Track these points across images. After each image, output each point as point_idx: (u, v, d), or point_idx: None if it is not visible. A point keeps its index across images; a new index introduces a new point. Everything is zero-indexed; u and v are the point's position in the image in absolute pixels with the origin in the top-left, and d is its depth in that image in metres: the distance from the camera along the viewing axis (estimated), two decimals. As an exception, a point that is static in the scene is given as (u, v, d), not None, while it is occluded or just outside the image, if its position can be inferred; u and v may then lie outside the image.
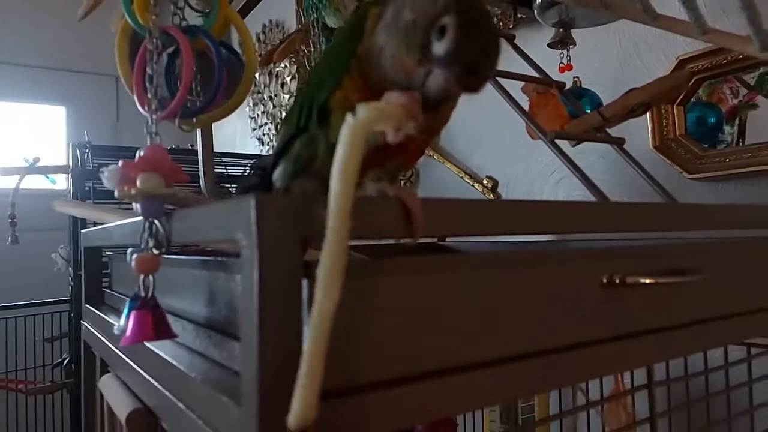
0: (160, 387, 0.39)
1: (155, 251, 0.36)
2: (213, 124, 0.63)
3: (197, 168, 0.67)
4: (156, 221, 0.36)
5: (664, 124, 0.91)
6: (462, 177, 1.30)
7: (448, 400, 0.31)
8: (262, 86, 2.25)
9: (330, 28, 1.22)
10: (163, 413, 0.41)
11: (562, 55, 0.93)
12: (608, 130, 0.81)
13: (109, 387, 0.55)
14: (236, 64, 0.59)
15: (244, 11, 2.27)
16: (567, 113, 0.83)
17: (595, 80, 1.00)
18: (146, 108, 0.44)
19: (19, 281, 2.31)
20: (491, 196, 1.23)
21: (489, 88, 0.58)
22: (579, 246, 0.63)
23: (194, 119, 0.56)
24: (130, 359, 0.48)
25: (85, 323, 0.71)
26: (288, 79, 2.07)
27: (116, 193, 0.36)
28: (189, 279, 0.42)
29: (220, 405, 0.28)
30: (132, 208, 0.40)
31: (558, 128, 0.77)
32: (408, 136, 0.29)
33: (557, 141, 0.69)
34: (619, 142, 0.80)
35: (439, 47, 0.33)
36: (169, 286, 0.44)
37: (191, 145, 1.68)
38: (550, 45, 0.91)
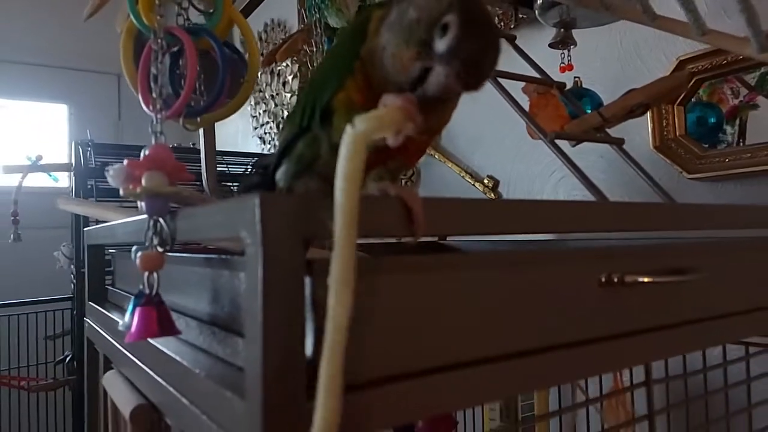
0: (164, 383, 0.39)
1: (160, 249, 0.36)
2: (215, 123, 0.63)
3: (199, 166, 0.67)
4: (160, 219, 0.36)
5: (665, 124, 0.91)
6: (463, 176, 1.30)
7: (449, 396, 0.31)
8: (264, 85, 2.25)
9: (332, 28, 1.22)
10: (167, 409, 0.41)
11: (563, 55, 0.93)
12: (608, 129, 0.82)
13: (112, 383, 0.55)
14: (239, 63, 0.60)
15: (247, 11, 2.28)
16: (567, 113, 0.83)
17: (595, 80, 1.00)
18: (151, 107, 0.45)
19: (21, 279, 2.32)
20: (492, 195, 1.24)
21: (490, 89, 0.58)
22: (578, 245, 0.63)
23: (198, 119, 0.56)
24: (134, 356, 0.48)
25: (88, 320, 0.72)
26: (290, 77, 2.07)
27: (121, 192, 0.36)
28: (193, 276, 0.42)
29: (224, 400, 0.29)
30: (134, 206, 0.40)
31: (558, 128, 0.78)
32: (408, 136, 0.29)
33: (557, 141, 0.70)
34: (618, 143, 0.80)
35: (441, 44, 0.34)
36: (173, 284, 0.44)
37: (193, 144, 1.68)
38: (551, 45, 0.91)
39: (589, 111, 0.84)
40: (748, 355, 0.64)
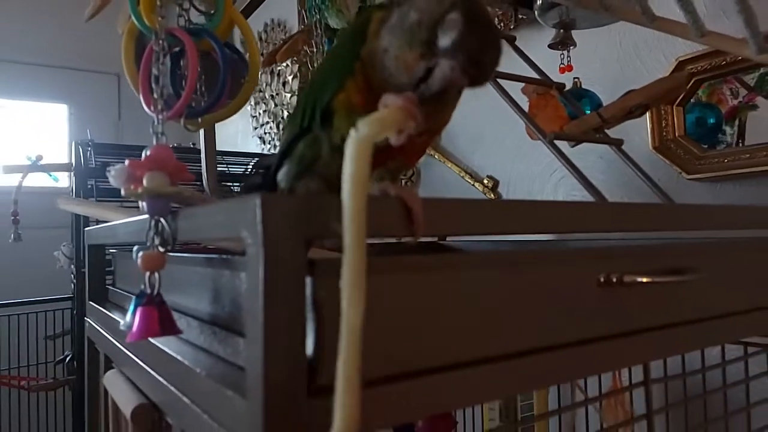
0: (165, 382, 0.40)
1: (161, 249, 0.36)
2: (215, 124, 0.63)
3: (199, 167, 0.68)
4: (162, 219, 0.36)
5: (664, 124, 0.91)
6: (463, 176, 1.30)
7: (448, 395, 0.31)
8: (264, 85, 2.25)
9: (333, 29, 1.22)
10: (168, 408, 0.41)
11: (562, 55, 0.93)
12: (608, 130, 0.82)
13: (113, 383, 0.55)
14: (240, 64, 0.60)
15: (248, 11, 2.28)
16: (566, 114, 0.83)
17: (595, 81, 1.00)
18: (152, 108, 0.45)
19: (21, 279, 2.32)
20: (492, 195, 1.24)
21: (490, 89, 0.58)
22: (577, 245, 0.64)
23: (199, 119, 0.57)
24: (135, 355, 0.48)
25: (89, 320, 0.72)
26: (290, 78, 2.07)
27: (123, 192, 0.36)
28: (194, 276, 0.43)
29: (226, 399, 0.29)
30: (135, 206, 0.40)
31: (557, 129, 0.78)
32: (408, 136, 0.29)
33: (556, 141, 0.70)
34: (617, 143, 0.80)
35: (445, 40, 0.35)
36: (174, 284, 0.44)
37: (193, 144, 1.69)
38: (550, 46, 0.91)
39: (589, 112, 0.84)
40: (747, 354, 0.64)
